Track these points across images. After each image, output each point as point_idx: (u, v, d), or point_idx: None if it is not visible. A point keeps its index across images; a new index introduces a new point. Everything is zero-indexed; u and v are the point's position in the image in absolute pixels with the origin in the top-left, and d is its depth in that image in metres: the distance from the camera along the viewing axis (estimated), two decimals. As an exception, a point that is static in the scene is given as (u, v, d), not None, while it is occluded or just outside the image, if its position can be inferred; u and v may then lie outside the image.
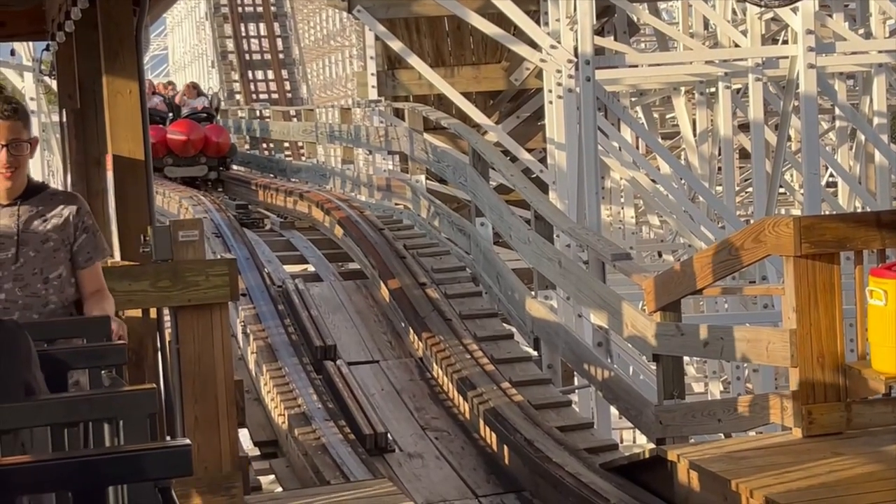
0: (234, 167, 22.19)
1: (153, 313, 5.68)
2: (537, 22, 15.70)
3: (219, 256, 10.81)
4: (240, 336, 9.89)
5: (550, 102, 14.91)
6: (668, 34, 18.72)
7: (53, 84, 10.25)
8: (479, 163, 11.64)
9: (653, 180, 17.36)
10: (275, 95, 30.38)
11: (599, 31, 17.25)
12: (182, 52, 41.64)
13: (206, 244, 7.41)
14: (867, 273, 6.33)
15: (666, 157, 17.33)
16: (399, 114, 16.36)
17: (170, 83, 24.83)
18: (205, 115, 20.41)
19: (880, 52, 16.30)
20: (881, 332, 6.15)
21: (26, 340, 2.92)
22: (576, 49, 14.19)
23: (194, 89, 21.41)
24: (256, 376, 9.28)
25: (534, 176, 15.56)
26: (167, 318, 5.77)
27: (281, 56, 30.18)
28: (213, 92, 24.18)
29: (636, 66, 16.35)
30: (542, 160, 16.71)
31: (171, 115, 20.45)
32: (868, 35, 17.01)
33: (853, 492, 5.34)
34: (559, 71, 14.51)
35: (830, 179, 20.31)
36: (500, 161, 11.72)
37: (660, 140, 18.95)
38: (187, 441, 2.05)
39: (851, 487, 5.41)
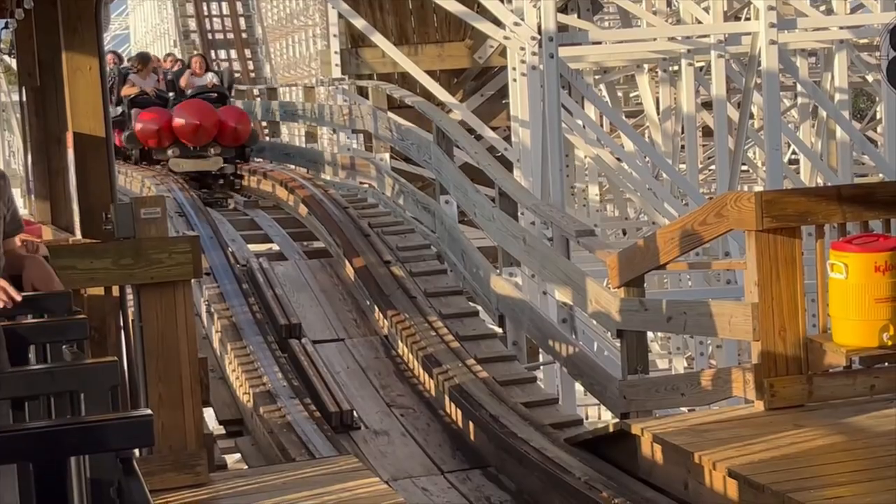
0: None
1: (115, 291, 5.66)
2: (501, -1, 15.67)
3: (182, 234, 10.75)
4: (204, 315, 9.85)
5: (514, 80, 14.90)
6: (632, 11, 18.75)
7: (13, 62, 10.15)
8: (444, 141, 11.63)
9: (617, 158, 17.41)
10: (238, 75, 30.24)
11: (563, 9, 17.25)
12: (144, 31, 41.31)
13: (168, 223, 7.38)
14: (828, 247, 6.39)
15: (630, 135, 17.38)
16: (363, 92, 16.31)
17: (173, 57, 20.31)
18: (215, 94, 16.18)
19: (841, 28, 16.39)
20: (842, 306, 6.21)
21: None
22: (539, 26, 14.19)
23: (203, 63, 17.33)
24: (221, 355, 9.25)
25: (498, 154, 15.57)
26: (130, 296, 5.75)
27: (244, 35, 29.99)
28: (224, 67, 21.17)
29: (599, 43, 16.38)
30: (507, 138, 16.72)
31: (172, 95, 16.35)
32: (829, 11, 17.10)
33: (815, 463, 5.40)
34: (523, 48, 14.50)
35: (793, 156, 20.45)
36: (464, 139, 11.72)
37: (623, 118, 18.99)
38: (149, 411, 2.05)
39: (813, 459, 5.46)
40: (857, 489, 5.05)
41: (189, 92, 16.04)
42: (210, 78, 16.59)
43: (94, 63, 6.33)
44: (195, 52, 20.58)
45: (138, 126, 15.15)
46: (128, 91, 16.43)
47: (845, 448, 5.63)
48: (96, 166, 6.33)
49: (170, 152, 14.86)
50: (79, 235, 6.24)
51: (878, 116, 21.04)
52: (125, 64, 19.16)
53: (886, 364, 6.44)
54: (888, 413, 6.12)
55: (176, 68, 17.90)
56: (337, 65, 17.96)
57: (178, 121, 14.93)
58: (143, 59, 17.65)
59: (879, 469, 5.29)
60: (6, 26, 9.12)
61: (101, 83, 6.37)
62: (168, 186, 13.42)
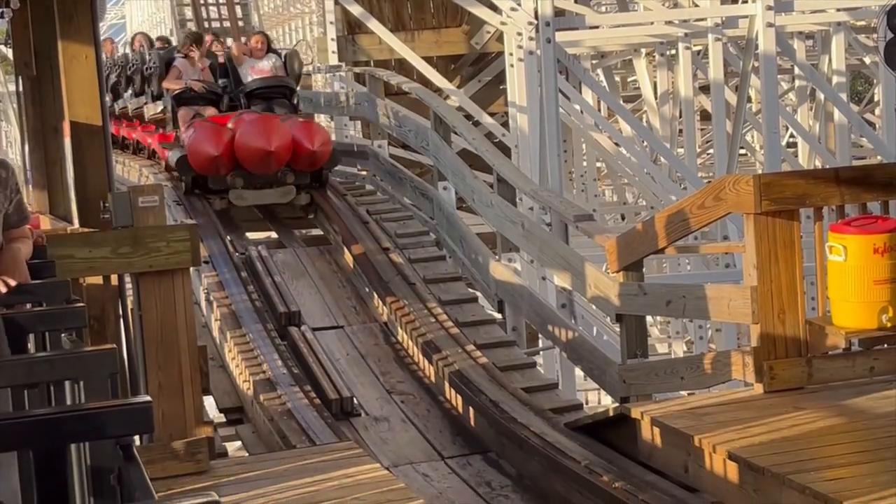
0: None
1: (114, 280, 5.67)
2: (497, -16, 15.64)
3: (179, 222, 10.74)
4: (203, 303, 9.85)
5: (511, 66, 14.87)
6: (629, -5, 18.72)
7: (9, 53, 10.14)
8: (441, 127, 11.62)
9: (615, 143, 17.40)
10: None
11: (560, -6, 17.20)
12: (140, 20, 41.21)
13: (167, 211, 7.39)
14: (826, 229, 6.39)
15: (628, 119, 17.37)
16: (360, 79, 16.28)
17: (217, 37, 16.06)
18: (279, 90, 12.84)
19: (839, 10, 16.36)
20: (841, 288, 6.22)
21: None
22: (536, 11, 14.16)
23: (264, 42, 13.59)
24: (220, 343, 9.26)
25: (496, 140, 15.54)
26: (129, 284, 5.75)
27: (241, 24, 29.92)
28: (289, 49, 15.52)
29: (597, 27, 16.36)
30: (504, 124, 16.68)
31: (224, 84, 13.14)
32: (827, -6, 17.06)
33: (814, 445, 5.40)
34: (520, 34, 14.48)
35: (790, 139, 20.43)
36: (462, 125, 11.71)
37: (621, 102, 18.97)
38: (148, 398, 2.05)
39: (812, 441, 5.47)
40: (858, 471, 5.06)
41: (250, 85, 12.71)
42: (273, 63, 13.23)
43: (90, 52, 6.33)
44: (256, 31, 15.77)
45: (191, 149, 11.43)
46: (172, 85, 12.95)
47: (845, 430, 5.64)
48: (93, 155, 6.33)
49: (230, 180, 11.24)
50: (77, 224, 6.25)
51: (875, 99, 21.04)
52: (160, 47, 15.62)
53: (886, 346, 6.44)
54: (888, 394, 6.12)
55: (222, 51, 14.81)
56: (334, 52, 17.92)
57: (243, 144, 11.17)
58: (197, 40, 13.74)
59: (879, 450, 5.29)
60: (2, 16, 9.11)
61: (98, 72, 6.37)
62: (167, 175, 13.38)
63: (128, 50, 16.41)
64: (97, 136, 6.31)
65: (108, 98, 15.10)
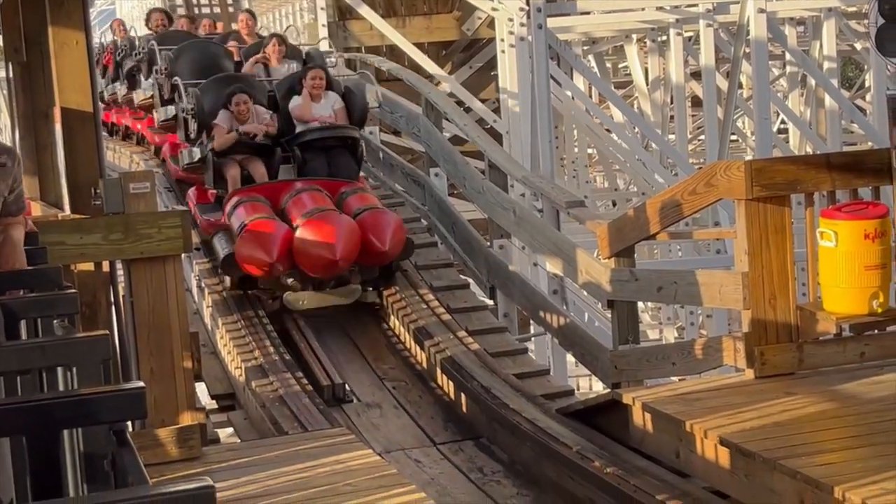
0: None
1: (106, 266, 5.66)
2: (488, -30, 15.62)
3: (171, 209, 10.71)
4: (195, 290, 9.84)
5: (503, 52, 14.87)
6: (620, -19, 18.68)
7: (-1, 38, 10.11)
8: (433, 113, 11.61)
9: (606, 129, 17.40)
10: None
11: (551, -21, 17.18)
12: (130, 7, 41.06)
13: (158, 198, 7.37)
14: (818, 215, 6.40)
15: (619, 105, 17.37)
16: (351, 65, 16.26)
17: (214, 23, 14.35)
18: (340, 139, 10.01)
19: (830, -4, 16.36)
20: (831, 273, 6.23)
21: None
22: (527, -3, 14.16)
23: (281, 46, 11.20)
24: (212, 329, 9.25)
25: (487, 126, 15.55)
26: (120, 271, 5.74)
27: (231, 10, 29.85)
28: (312, 49, 12.36)
29: (588, 13, 16.33)
30: (496, 110, 16.68)
31: (269, 115, 10.14)
32: (818, -20, 17.06)
33: (805, 430, 5.42)
34: (511, 19, 14.47)
35: (782, 125, 20.45)
36: (453, 111, 11.69)
37: (612, 88, 18.96)
38: (141, 384, 2.05)
39: (803, 426, 5.49)
40: (848, 456, 5.08)
41: (306, 135, 9.83)
42: (287, 67, 10.97)
43: (80, 37, 6.31)
44: (275, 35, 11.94)
45: (241, 252, 8.85)
46: (223, 142, 9.76)
47: (836, 415, 5.65)
48: (84, 141, 6.32)
49: (285, 281, 8.99)
50: (68, 211, 6.23)
51: (866, 84, 21.05)
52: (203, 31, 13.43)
53: (876, 331, 6.46)
54: (878, 380, 6.15)
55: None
56: (324, 38, 17.87)
57: (303, 250, 8.74)
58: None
59: (870, 436, 5.31)
60: (-9, 2, 9.10)
61: (88, 58, 6.34)
62: (157, 161, 13.35)
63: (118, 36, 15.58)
64: (88, 122, 6.29)
65: (124, 86, 13.94)
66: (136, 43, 13.81)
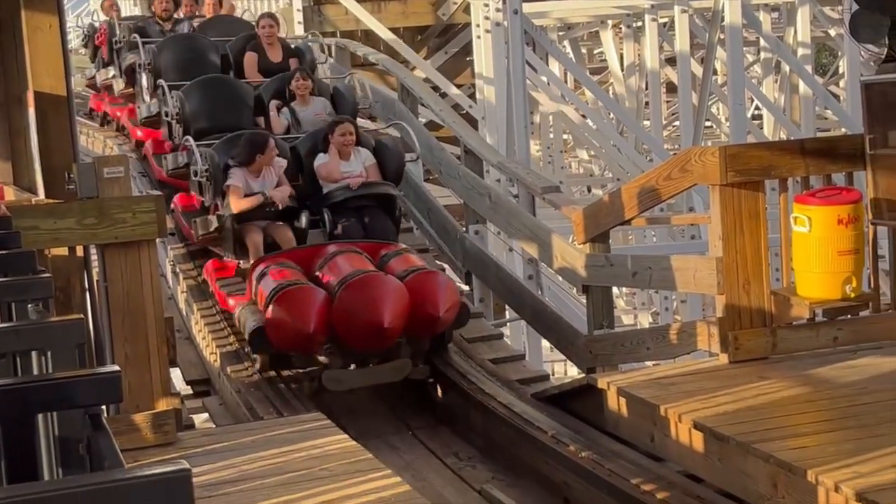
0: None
1: (80, 251, 5.63)
2: (464, -45, 15.61)
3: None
4: (169, 275, 9.81)
5: (478, 37, 14.83)
6: (595, -33, 18.68)
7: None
8: (408, 98, 11.60)
9: (581, 114, 17.42)
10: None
11: (526, -35, 17.17)
12: (104, -11, 40.77)
13: (132, 182, 7.33)
14: (791, 200, 6.43)
15: (594, 91, 17.38)
16: (328, 50, 16.21)
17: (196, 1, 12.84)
18: (374, 198, 8.73)
19: (805, -17, 16.40)
20: (805, 259, 6.27)
21: None
22: (503, -18, 14.14)
23: (307, 80, 9.71)
24: (187, 315, 9.23)
25: (463, 111, 15.54)
26: (94, 256, 5.72)
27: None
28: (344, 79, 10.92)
29: (563, -1, 16.33)
30: (471, 95, 16.67)
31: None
32: (792, -34, 17.10)
33: (779, 414, 5.46)
34: (486, 4, 14.45)
35: (756, 112, 20.50)
36: (429, 96, 11.69)
37: (588, 74, 18.98)
38: (116, 367, 2.04)
39: (777, 410, 5.52)
40: (821, 440, 5.12)
41: (335, 196, 8.52)
42: (319, 107, 9.62)
43: (53, 21, 6.26)
44: (296, 69, 9.95)
45: (273, 322, 7.42)
46: (244, 204, 8.40)
47: (809, 399, 5.69)
48: (58, 125, 6.28)
49: (324, 357, 7.59)
50: (42, 195, 6.20)
51: (840, 71, 21.12)
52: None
53: (849, 316, 6.51)
54: (851, 364, 6.19)
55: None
56: (300, 22, 17.81)
57: (346, 318, 7.35)
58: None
59: (843, 419, 5.35)
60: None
61: (62, 41, 6.30)
62: (131, 146, 13.29)
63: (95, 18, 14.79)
64: (62, 107, 6.25)
65: (123, 81, 12.50)
66: (117, 29, 12.59)
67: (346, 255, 7.70)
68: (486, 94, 14.79)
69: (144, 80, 10.99)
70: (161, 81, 10.17)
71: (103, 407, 2.25)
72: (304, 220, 8.41)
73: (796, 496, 4.78)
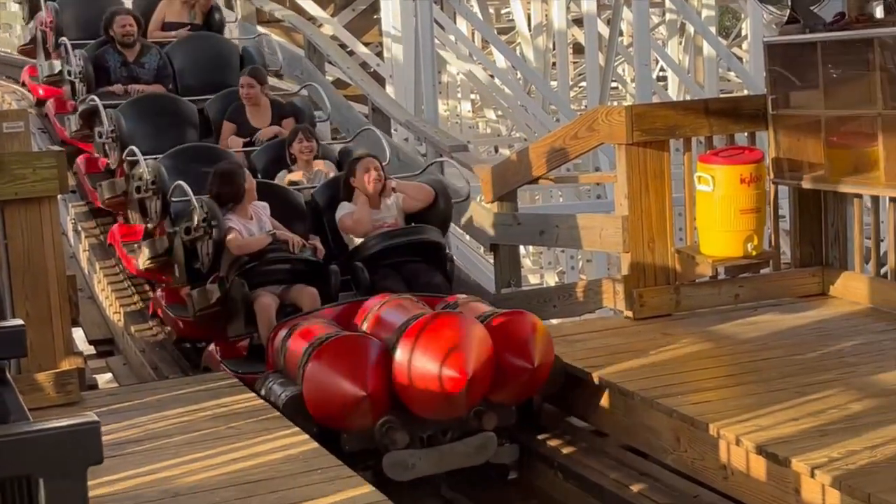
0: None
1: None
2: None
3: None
4: (70, 234, 9.65)
5: (386, -6, 14.78)
6: (503, -74, 18.68)
7: None
8: (315, 56, 11.51)
9: (489, 74, 17.44)
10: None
11: (434, -77, 17.10)
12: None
13: (32, 139, 7.19)
14: (695, 160, 6.53)
15: (502, 50, 17.39)
16: (230, 5, 16.00)
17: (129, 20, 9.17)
18: (416, 247, 6.72)
19: (710, -55, 16.58)
20: (708, 217, 6.37)
21: None
22: (411, -60, 14.09)
23: (310, 140, 7.40)
24: (89, 274, 9.10)
25: (371, 70, 15.46)
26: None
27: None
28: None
29: (472, -43, 16.30)
30: (379, 54, 16.59)
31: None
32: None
33: (682, 370, 5.56)
34: (394, -38, 14.38)
35: (661, 73, 20.69)
36: (336, 54, 11.62)
37: (496, 33, 18.97)
38: (21, 321, 2.02)
39: (680, 366, 5.62)
40: (722, 394, 5.23)
41: (370, 246, 6.57)
42: (325, 169, 7.36)
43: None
44: (297, 128, 7.53)
45: (313, 385, 5.32)
46: (248, 248, 6.36)
47: (711, 355, 5.81)
48: (-46, 79, 6.12)
49: (384, 436, 5.33)
50: (-62, 151, 6.05)
51: (743, 33, 21.40)
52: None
53: (750, 273, 6.64)
54: (752, 321, 6.33)
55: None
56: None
57: (413, 372, 5.23)
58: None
59: (743, 374, 5.47)
60: None
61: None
62: (29, 102, 13.00)
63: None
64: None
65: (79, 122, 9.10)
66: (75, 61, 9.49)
67: (397, 301, 5.77)
68: (393, 53, 14.75)
69: (44, 37, 10.28)
70: (64, 40, 9.38)
71: (7, 363, 2.22)
72: (333, 278, 6.32)
73: (698, 449, 4.88)
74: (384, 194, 6.58)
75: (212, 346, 6.82)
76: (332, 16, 18.03)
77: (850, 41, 6.25)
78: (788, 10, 6.65)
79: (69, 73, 9.18)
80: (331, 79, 12.05)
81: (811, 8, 6.57)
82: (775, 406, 4.93)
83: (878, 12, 6.42)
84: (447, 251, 6.71)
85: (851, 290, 6.57)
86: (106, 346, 8.39)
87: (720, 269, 6.55)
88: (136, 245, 7.85)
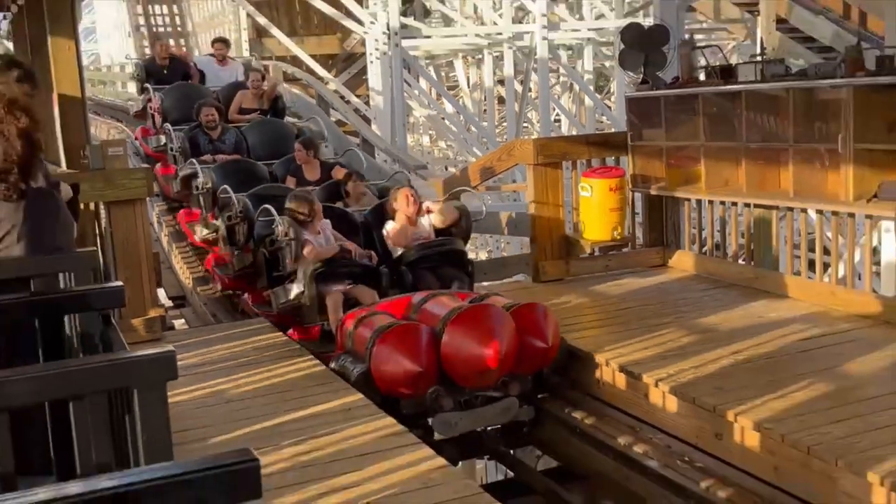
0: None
1: (92, 206, 5.44)
2: (361, 4, 15.37)
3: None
4: (156, 224, 9.53)
5: (371, 62, 14.67)
6: (451, 16, 18.58)
7: (10, 46, 9.45)
8: (323, 104, 11.44)
9: (442, 117, 17.38)
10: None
11: (404, 13, 16.97)
12: (105, 24, 39.01)
13: (128, 159, 7.07)
14: (580, 175, 6.54)
15: (450, 101, 17.34)
16: (266, 69, 15.83)
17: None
18: (445, 255, 5.96)
19: (589, 30, 16.60)
20: (588, 213, 6.39)
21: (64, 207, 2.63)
22: (388, 25, 14.00)
23: (358, 181, 6.81)
24: (168, 251, 8.99)
25: (361, 113, 15.36)
26: (103, 211, 5.54)
27: (179, 28, 28.75)
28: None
29: (429, 37, 16.22)
30: (366, 102, 16.49)
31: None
32: (581, 18, 17.27)
33: (571, 315, 5.58)
34: (377, 40, 14.28)
35: (556, 117, 20.71)
36: (337, 102, 11.55)
37: (446, 89, 18.91)
38: (121, 283, 1.99)
39: (569, 313, 5.64)
40: (598, 332, 5.25)
41: (408, 256, 5.94)
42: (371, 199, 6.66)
43: (71, 44, 6.00)
44: (349, 173, 6.95)
45: (379, 364, 4.79)
46: (316, 257, 5.69)
47: (590, 306, 5.83)
48: (74, 118, 6.04)
49: (434, 402, 4.83)
50: (64, 167, 5.96)
51: (612, 90, 21.44)
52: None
53: (616, 251, 6.68)
54: (617, 283, 6.36)
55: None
56: (246, 49, 17.36)
57: (456, 352, 4.80)
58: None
59: (611, 319, 5.51)
60: (4, 17, 8.54)
61: (77, 58, 6.04)
62: (126, 134, 12.79)
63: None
64: (77, 104, 6.01)
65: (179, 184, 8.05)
66: (174, 138, 8.53)
67: (438, 297, 5.28)
68: (376, 102, 14.66)
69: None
70: (167, 125, 8.53)
71: (111, 311, 2.19)
72: (384, 279, 5.80)
73: (583, 371, 4.90)
74: (419, 214, 6.06)
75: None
76: (335, 76, 17.89)
77: (683, 95, 6.29)
78: (642, 75, 6.68)
79: (171, 148, 8.41)
80: (333, 119, 11.95)
81: (657, 73, 6.60)
82: (632, 339, 4.97)
83: (702, 76, 6.46)
84: (467, 256, 6.06)
85: (683, 262, 6.62)
86: (180, 301, 8.31)
87: (596, 249, 6.58)
88: (193, 225, 7.45)
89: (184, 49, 11.64)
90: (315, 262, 5.60)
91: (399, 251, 5.96)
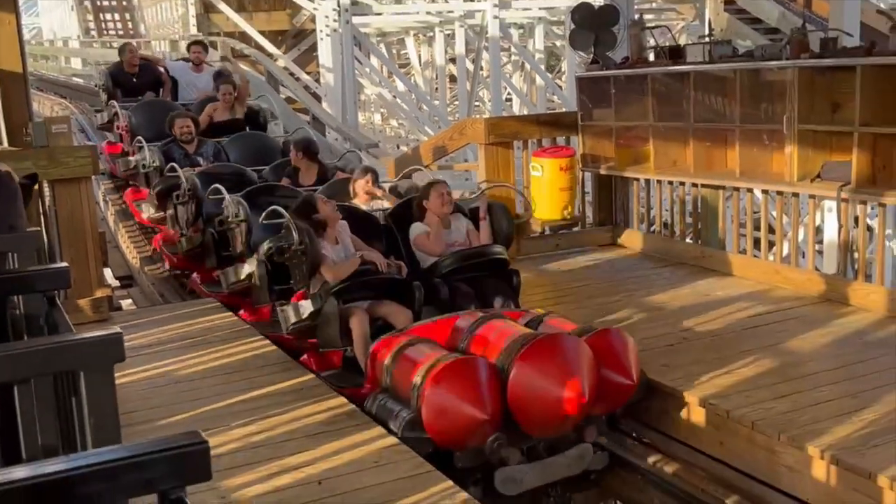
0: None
1: (36, 186, 5.33)
2: (311, -19, 15.20)
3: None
4: (101, 203, 9.36)
5: (321, 39, 14.53)
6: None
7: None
8: (273, 81, 11.30)
9: (393, 95, 17.30)
10: (121, 32, 28.53)
11: (355, -10, 16.83)
12: (48, 28, 37.89)
13: (73, 136, 6.92)
14: (531, 155, 6.58)
15: (401, 79, 17.26)
16: (214, 45, 15.59)
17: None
18: (483, 264, 4.81)
19: (540, 8, 16.63)
20: (539, 193, 6.43)
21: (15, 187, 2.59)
22: (339, 1, 13.87)
23: (376, 183, 5.54)
24: (115, 230, 8.84)
25: (311, 91, 15.22)
26: (47, 189, 5.43)
27: (124, 3, 28.14)
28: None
29: (380, 14, 16.10)
30: (317, 80, 16.34)
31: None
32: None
33: (526, 289, 5.55)
34: (327, 16, 14.14)
35: (508, 96, 20.74)
36: (287, 80, 11.42)
37: (397, 67, 18.82)
38: (66, 264, 1.96)
39: (525, 288, 5.60)
40: (553, 302, 5.30)
41: (445, 265, 4.77)
42: (382, 199, 5.52)
43: (11, 18, 5.83)
44: (366, 168, 5.76)
45: (433, 411, 3.69)
46: (337, 272, 4.56)
47: (541, 283, 5.88)
48: (16, 94, 5.87)
49: (496, 452, 3.74)
50: (6, 144, 5.81)
51: (563, 69, 21.53)
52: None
53: (566, 230, 6.73)
54: (568, 261, 6.42)
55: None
56: (194, 25, 17.08)
57: (528, 394, 3.74)
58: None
59: (563, 296, 5.56)
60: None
61: (18, 33, 5.87)
62: (70, 111, 12.51)
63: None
64: (19, 80, 5.84)
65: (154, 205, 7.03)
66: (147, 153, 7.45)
67: (491, 321, 4.18)
68: (327, 79, 14.54)
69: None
70: (140, 139, 7.60)
71: (57, 292, 2.16)
72: (418, 294, 4.62)
73: (531, 347, 4.93)
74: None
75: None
76: (285, 53, 17.69)
77: (633, 76, 6.34)
78: (592, 55, 6.71)
79: (143, 165, 7.32)
80: (283, 97, 11.82)
81: (607, 53, 6.64)
82: (580, 318, 5.01)
83: (651, 57, 6.51)
84: (509, 265, 4.95)
85: (631, 241, 6.70)
86: (127, 280, 8.18)
87: (547, 228, 6.63)
88: (140, 203, 7.10)
89: (131, 28, 10.89)
90: (334, 280, 4.51)
91: (429, 260, 4.87)
